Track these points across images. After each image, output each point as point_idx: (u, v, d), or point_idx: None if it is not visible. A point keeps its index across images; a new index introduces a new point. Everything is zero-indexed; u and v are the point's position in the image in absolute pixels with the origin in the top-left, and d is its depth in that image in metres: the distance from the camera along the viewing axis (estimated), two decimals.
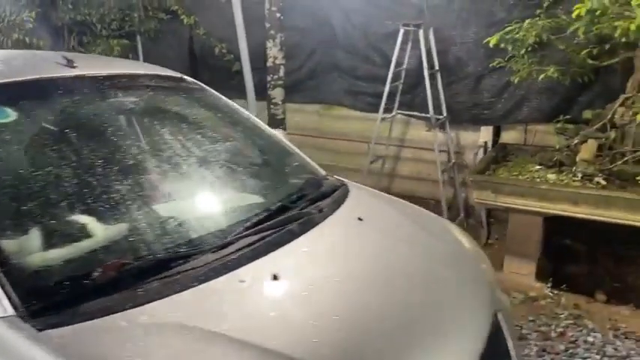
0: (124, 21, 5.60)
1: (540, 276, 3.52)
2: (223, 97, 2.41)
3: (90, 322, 1.13)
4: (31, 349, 1.05)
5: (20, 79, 1.70)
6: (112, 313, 1.16)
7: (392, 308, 1.40)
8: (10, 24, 4.81)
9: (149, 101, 2.08)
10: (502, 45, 3.34)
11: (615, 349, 2.80)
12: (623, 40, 2.88)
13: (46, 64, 1.88)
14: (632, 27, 2.65)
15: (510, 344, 1.69)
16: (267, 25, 4.15)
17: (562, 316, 3.16)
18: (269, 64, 4.20)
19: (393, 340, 1.30)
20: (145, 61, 5.63)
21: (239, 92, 4.73)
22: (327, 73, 5.13)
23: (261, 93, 4.36)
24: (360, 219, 1.80)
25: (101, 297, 1.20)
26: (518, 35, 3.26)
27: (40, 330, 1.09)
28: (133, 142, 1.81)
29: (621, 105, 3.26)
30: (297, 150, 2.34)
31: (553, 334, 2.97)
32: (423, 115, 4.25)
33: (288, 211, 1.72)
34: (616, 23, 2.75)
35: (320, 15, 4.98)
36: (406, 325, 1.37)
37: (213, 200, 1.79)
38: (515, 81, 3.56)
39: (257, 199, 1.84)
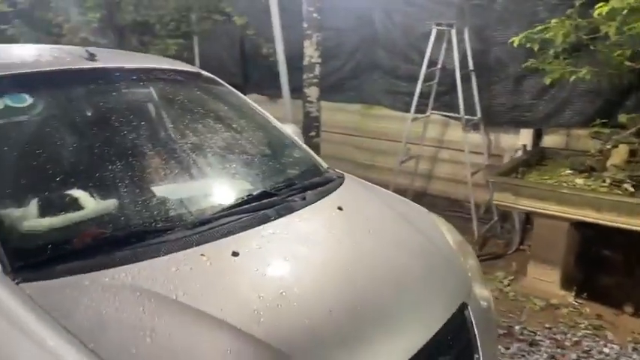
0: (180, 22, 5.93)
1: (566, 284, 3.40)
2: (238, 93, 2.55)
3: (58, 279, 1.30)
4: (4, 295, 1.24)
5: (42, 69, 1.92)
6: (79, 273, 1.32)
7: (341, 292, 1.47)
8: (77, 24, 5.25)
9: (160, 93, 2.26)
10: (528, 45, 3.26)
11: None
12: None
13: (70, 57, 2.11)
14: None
15: (478, 340, 1.70)
16: (305, 24, 4.29)
17: (581, 325, 3.05)
18: (305, 62, 4.34)
19: (334, 322, 1.37)
20: (200, 61, 5.94)
21: None
22: (369, 72, 5.20)
23: None
24: (340, 208, 1.88)
25: (75, 261, 1.37)
26: (547, 35, 3.18)
27: (17, 283, 1.27)
28: (139, 130, 1.98)
29: None
30: (301, 144, 2.44)
31: (567, 343, 2.88)
32: (455, 115, 4.21)
33: (271, 197, 1.84)
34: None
35: (362, 15, 5.05)
36: (351, 309, 1.43)
37: (202, 184, 1.93)
38: (548, 82, 3.45)
39: (246, 185, 1.96)
